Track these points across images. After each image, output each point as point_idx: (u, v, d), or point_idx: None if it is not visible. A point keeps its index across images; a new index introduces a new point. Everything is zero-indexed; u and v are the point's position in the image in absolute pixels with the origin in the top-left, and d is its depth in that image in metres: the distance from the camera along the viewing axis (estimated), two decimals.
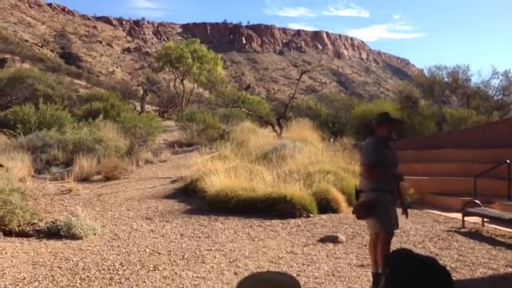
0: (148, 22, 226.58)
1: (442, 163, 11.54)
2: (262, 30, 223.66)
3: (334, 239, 6.79)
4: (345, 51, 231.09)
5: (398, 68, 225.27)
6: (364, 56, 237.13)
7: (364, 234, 6.95)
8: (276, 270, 5.41)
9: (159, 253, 6.18)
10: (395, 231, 5.07)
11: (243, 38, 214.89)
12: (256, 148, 14.13)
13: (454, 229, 7.49)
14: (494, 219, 7.40)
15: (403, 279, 1.48)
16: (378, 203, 4.72)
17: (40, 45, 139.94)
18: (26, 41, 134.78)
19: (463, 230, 7.44)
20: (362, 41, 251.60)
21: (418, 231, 7.36)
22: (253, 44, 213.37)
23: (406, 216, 5.27)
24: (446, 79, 19.22)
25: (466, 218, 7.73)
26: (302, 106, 25.48)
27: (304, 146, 13.21)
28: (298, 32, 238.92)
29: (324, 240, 6.80)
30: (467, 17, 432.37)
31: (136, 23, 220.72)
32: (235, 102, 27.22)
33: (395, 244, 6.51)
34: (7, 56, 76.97)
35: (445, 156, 12.03)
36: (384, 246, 4.80)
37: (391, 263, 1.62)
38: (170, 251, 6.26)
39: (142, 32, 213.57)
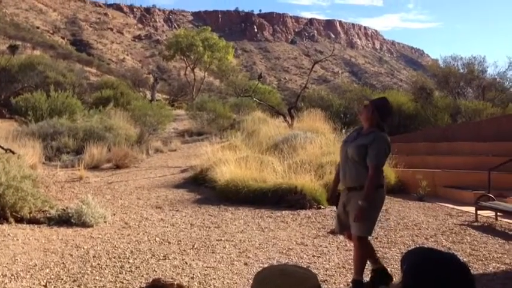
0: (159, 9, 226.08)
1: (456, 156, 11.39)
2: (274, 19, 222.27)
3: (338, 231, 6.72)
4: (358, 40, 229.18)
5: (412, 58, 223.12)
6: (377, 45, 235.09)
7: (375, 227, 6.87)
8: (286, 261, 5.37)
9: (169, 242, 6.17)
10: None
11: (255, 27, 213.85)
12: (267, 138, 14.06)
13: (466, 223, 7.39)
14: (508, 214, 7.29)
15: (423, 275, 1.43)
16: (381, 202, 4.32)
17: (51, 32, 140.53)
18: (37, 27, 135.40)
19: (476, 224, 7.34)
20: (376, 31, 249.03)
21: (430, 224, 7.27)
22: (265, 32, 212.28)
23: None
24: (461, 70, 18.97)
25: (479, 212, 7.62)
26: (314, 96, 25.27)
27: (316, 137, 13.10)
28: (310, 21, 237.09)
29: (335, 231, 6.74)
30: (483, 7, 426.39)
31: (147, 10, 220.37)
32: (246, 91, 27.12)
33: (406, 238, 6.44)
34: (18, 42, 77.30)
35: (459, 149, 11.88)
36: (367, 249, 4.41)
37: (410, 258, 1.56)
38: (180, 241, 6.25)
39: (153, 20, 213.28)
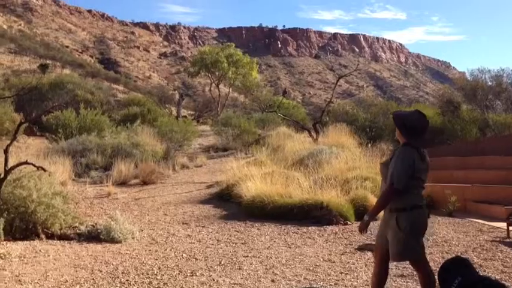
0: (184, 27, 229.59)
1: (486, 170, 11.16)
2: (297, 34, 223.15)
3: (372, 248, 6.63)
4: (383, 54, 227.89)
5: (439, 71, 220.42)
6: (402, 59, 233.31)
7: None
8: (314, 278, 5.33)
9: (196, 258, 6.20)
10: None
11: (279, 42, 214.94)
12: (292, 153, 14.05)
13: (498, 239, 7.20)
14: None
15: None
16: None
17: (80, 51, 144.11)
18: (67, 47, 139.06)
19: (508, 240, 7.15)
20: (400, 44, 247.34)
21: (460, 240, 7.12)
22: (289, 47, 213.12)
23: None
24: (489, 83, 18.63)
25: (511, 228, 7.43)
26: (339, 111, 25.20)
27: (341, 152, 13.04)
28: (334, 35, 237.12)
29: (363, 248, 6.66)
30: (508, 20, 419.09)
31: (173, 28, 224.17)
32: (271, 107, 27.21)
33: (436, 255, 6.32)
34: (48, 62, 79.50)
35: (489, 163, 11.63)
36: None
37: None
38: (207, 257, 6.27)
39: (178, 37, 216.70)
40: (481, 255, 6.31)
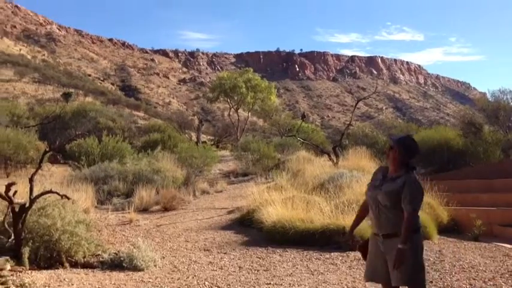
0: (202, 53, 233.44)
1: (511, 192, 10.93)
2: (315, 57, 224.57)
3: None
4: (401, 76, 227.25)
5: (459, 92, 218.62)
6: (421, 80, 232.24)
7: (429, 269, 6.65)
8: None
9: (218, 286, 6.17)
10: None
11: (296, 66, 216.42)
12: (313, 178, 13.97)
13: None
14: None
15: None
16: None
17: (102, 79, 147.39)
18: (89, 75, 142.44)
19: None
20: (419, 65, 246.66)
21: (487, 266, 6.95)
22: (307, 71, 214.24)
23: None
24: (511, 104, 18.39)
25: None
26: (358, 133, 25.09)
27: (362, 176, 12.92)
28: (352, 58, 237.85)
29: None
30: None
31: (192, 54, 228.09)
32: (290, 131, 27.25)
33: (463, 281, 6.18)
34: (71, 90, 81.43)
35: None
36: None
37: None
38: (229, 285, 6.24)
39: (197, 63, 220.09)
40: (509, 281, 6.15)
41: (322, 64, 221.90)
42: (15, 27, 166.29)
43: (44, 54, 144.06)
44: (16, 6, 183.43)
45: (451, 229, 9.71)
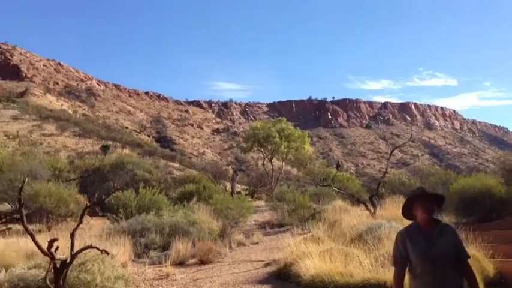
0: (235, 103, 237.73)
1: None
2: (347, 105, 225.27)
3: None
4: (436, 121, 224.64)
5: (497, 137, 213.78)
6: (457, 125, 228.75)
7: None
8: None
9: None
10: None
11: (329, 114, 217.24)
12: (350, 228, 13.71)
13: None
14: None
15: None
16: None
17: (138, 131, 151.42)
18: (126, 127, 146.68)
19: None
20: (454, 111, 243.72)
21: None
22: (339, 118, 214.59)
23: None
24: None
25: None
26: (394, 181, 24.71)
27: (401, 226, 12.60)
28: (384, 105, 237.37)
29: None
30: None
31: (225, 104, 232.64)
32: (325, 180, 27.06)
33: None
34: (109, 142, 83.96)
35: None
36: None
37: None
38: None
39: (230, 113, 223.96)
40: None
41: (355, 111, 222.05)
42: (57, 83, 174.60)
43: (84, 109, 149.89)
44: (59, 64, 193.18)
45: (498, 282, 9.26)
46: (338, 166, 26.29)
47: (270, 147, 42.54)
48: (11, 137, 76.83)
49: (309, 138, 46.69)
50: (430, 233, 3.94)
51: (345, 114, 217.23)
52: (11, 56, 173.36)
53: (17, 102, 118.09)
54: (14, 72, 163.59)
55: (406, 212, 4.23)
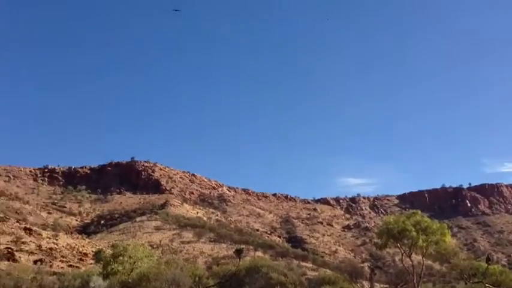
0: (363, 197, 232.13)
1: None
2: (487, 190, 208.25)
3: None
4: None
5: None
6: None
7: None
8: None
9: None
10: None
11: (467, 201, 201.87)
12: None
13: None
14: None
15: None
16: None
17: (269, 232, 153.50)
18: (257, 230, 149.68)
19: None
20: None
21: None
22: (480, 206, 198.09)
23: None
24: None
25: None
26: None
27: None
28: None
29: None
30: None
31: (353, 199, 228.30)
32: (474, 275, 24.54)
33: None
34: (242, 246, 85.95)
35: None
36: None
37: None
38: None
39: (359, 208, 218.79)
40: None
41: (497, 197, 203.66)
42: (192, 193, 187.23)
43: (217, 215, 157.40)
44: (193, 175, 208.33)
45: None
46: (488, 260, 23.77)
47: (406, 242, 40.08)
48: (155, 246, 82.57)
49: (449, 230, 43.36)
50: None
51: (486, 200, 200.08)
52: (152, 172, 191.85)
53: (159, 214, 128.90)
54: (155, 186, 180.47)
55: None
